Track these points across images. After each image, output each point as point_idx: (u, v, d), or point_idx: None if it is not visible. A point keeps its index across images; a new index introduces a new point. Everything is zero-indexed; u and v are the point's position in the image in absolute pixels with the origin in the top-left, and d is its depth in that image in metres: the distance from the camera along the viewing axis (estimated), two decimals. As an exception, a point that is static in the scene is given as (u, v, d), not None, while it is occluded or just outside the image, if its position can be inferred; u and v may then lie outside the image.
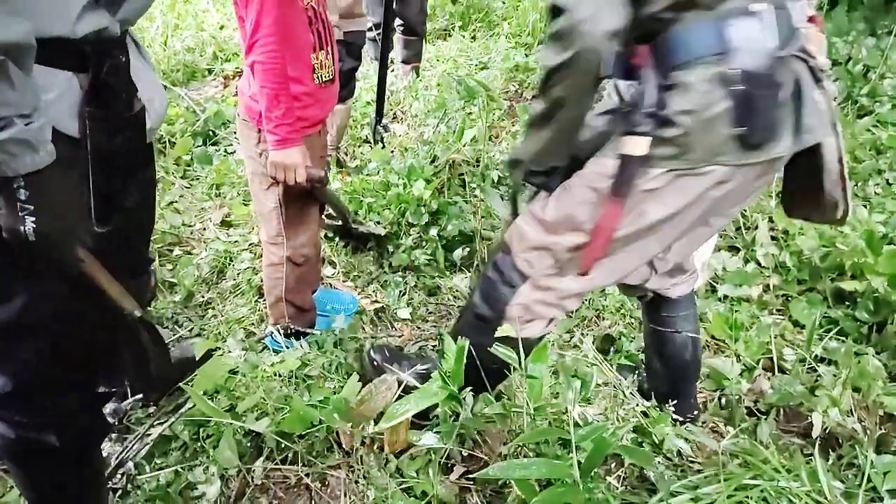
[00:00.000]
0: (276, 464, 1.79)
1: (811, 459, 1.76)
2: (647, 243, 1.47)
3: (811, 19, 1.37)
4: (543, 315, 1.60)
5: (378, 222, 2.95)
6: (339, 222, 2.70)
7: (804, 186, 1.48)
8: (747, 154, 1.30)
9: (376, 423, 1.71)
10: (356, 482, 1.74)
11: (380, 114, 3.65)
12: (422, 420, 1.77)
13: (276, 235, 2.12)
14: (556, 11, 1.25)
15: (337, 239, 2.85)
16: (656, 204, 1.38)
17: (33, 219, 0.96)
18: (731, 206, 1.49)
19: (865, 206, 2.96)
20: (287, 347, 2.14)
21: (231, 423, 1.77)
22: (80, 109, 1.02)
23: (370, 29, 3.65)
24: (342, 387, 1.92)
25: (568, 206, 1.46)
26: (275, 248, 2.14)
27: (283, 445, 1.78)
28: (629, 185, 1.34)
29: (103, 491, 1.60)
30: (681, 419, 1.93)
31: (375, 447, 1.78)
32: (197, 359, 2.00)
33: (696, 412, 1.99)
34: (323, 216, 2.39)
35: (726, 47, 1.24)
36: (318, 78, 1.93)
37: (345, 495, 1.73)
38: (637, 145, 1.31)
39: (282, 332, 2.21)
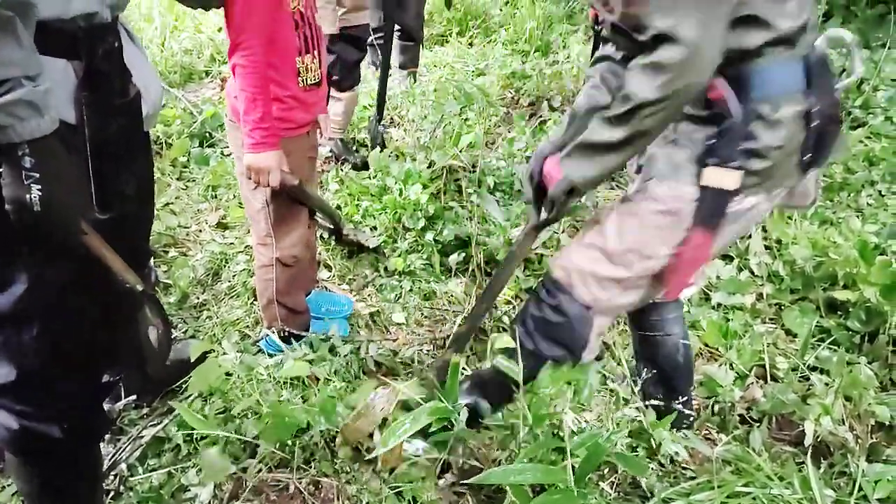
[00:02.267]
0: (270, 468, 1.78)
1: (803, 467, 1.77)
2: None
3: None
4: (604, 332, 1.64)
5: (374, 227, 2.96)
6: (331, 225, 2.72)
7: None
8: (803, 175, 1.42)
9: (371, 436, 1.71)
10: (348, 484, 1.74)
11: (380, 114, 3.68)
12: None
13: (265, 236, 2.12)
14: (659, 40, 1.23)
15: (333, 242, 2.86)
16: (732, 226, 1.44)
17: (39, 187, 0.95)
18: None
19: (858, 217, 2.99)
20: (281, 351, 2.14)
21: (220, 434, 1.77)
22: (76, 96, 1.02)
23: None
24: (345, 389, 1.93)
25: (637, 233, 1.46)
26: (264, 250, 2.15)
27: (277, 448, 1.78)
28: (721, 217, 1.37)
29: (99, 488, 1.60)
30: (676, 426, 1.94)
31: (368, 457, 1.79)
32: (192, 360, 2.00)
33: (692, 418, 2.00)
34: (315, 218, 2.40)
35: (809, 85, 1.32)
36: (302, 81, 1.94)
37: (337, 499, 1.73)
38: (729, 178, 1.33)
39: (276, 334, 2.21)
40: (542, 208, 1.62)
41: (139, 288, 1.21)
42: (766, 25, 1.29)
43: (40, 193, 0.95)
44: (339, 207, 3.08)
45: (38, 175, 0.95)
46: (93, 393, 1.30)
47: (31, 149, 0.93)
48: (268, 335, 2.23)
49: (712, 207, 1.36)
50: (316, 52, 1.96)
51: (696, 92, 1.28)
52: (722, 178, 1.33)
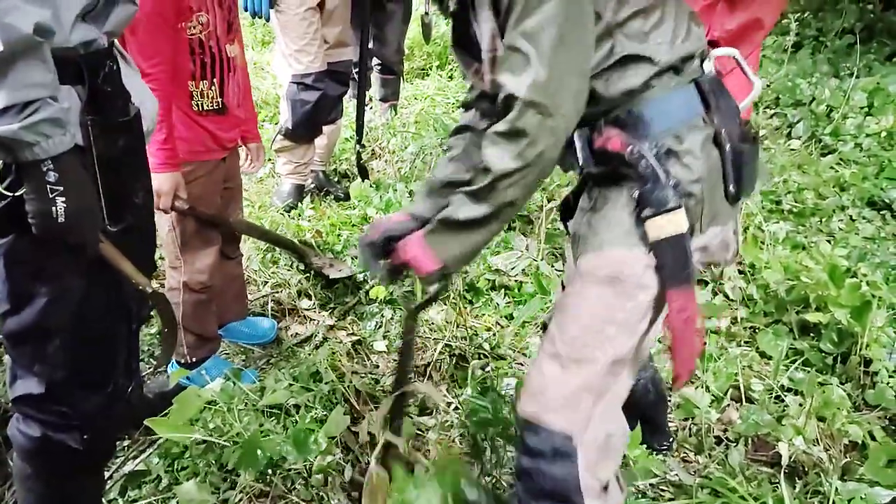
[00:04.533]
0: (250, 497, 1.79)
1: (777, 487, 1.81)
2: None
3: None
4: (611, 468, 1.30)
5: (355, 257, 2.99)
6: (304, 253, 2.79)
7: None
8: (734, 208, 1.31)
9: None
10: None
11: (360, 135, 3.77)
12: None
13: (174, 259, 2.16)
14: (510, 102, 1.16)
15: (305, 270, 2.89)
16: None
17: (63, 199, 1.02)
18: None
19: (829, 242, 3.06)
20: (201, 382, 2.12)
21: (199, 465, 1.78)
22: (82, 119, 1.09)
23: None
24: (326, 417, 1.94)
25: (591, 317, 1.24)
26: (174, 273, 2.18)
27: (257, 478, 1.79)
28: (689, 264, 1.19)
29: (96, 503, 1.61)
30: (655, 448, 1.96)
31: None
32: (170, 387, 2.01)
33: (670, 440, 2.03)
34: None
35: (708, 108, 1.24)
36: (197, 106, 2.00)
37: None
38: (676, 222, 1.18)
39: (178, 361, 2.23)
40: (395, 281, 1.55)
41: (149, 290, 1.25)
42: (647, 60, 1.21)
43: (65, 205, 1.02)
44: (319, 236, 3.12)
45: (62, 188, 1.01)
46: (110, 403, 1.33)
47: (54, 164, 1.00)
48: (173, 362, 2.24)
49: (675, 258, 1.19)
50: (215, 80, 2.01)
51: (557, 154, 1.19)
52: (667, 224, 1.18)
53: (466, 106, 1.59)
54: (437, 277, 1.32)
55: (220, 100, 2.04)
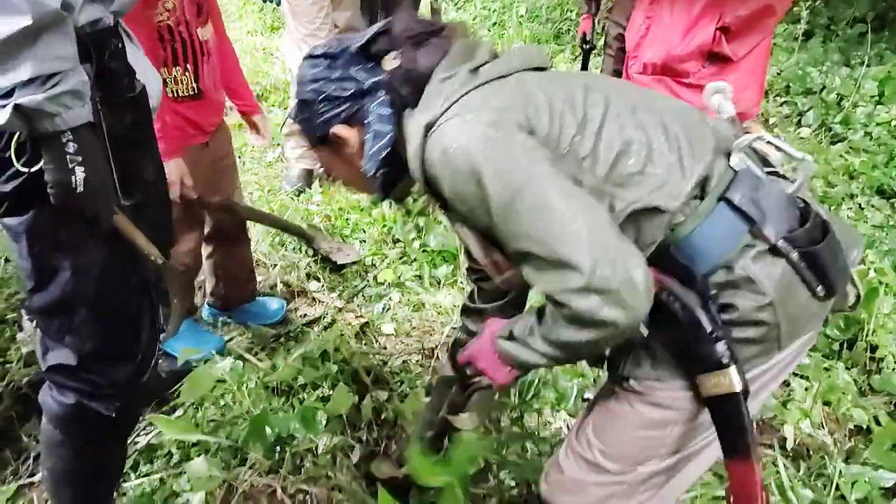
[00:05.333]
0: (260, 473, 1.82)
1: (782, 469, 1.82)
2: None
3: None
4: None
5: (363, 241, 3.01)
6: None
7: None
8: (828, 302, 1.10)
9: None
10: (333, 490, 1.78)
11: None
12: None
13: None
14: (561, 300, 0.96)
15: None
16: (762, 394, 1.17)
17: (82, 169, 1.04)
18: None
19: (837, 229, 3.06)
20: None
21: (210, 441, 1.81)
22: (91, 95, 1.10)
23: None
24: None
25: (631, 440, 1.16)
26: None
27: (266, 455, 1.81)
28: (748, 430, 1.03)
29: (118, 476, 1.64)
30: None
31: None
32: (179, 365, 2.04)
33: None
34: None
35: (749, 217, 1.03)
36: (171, 93, 1.98)
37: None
38: (724, 384, 1.02)
39: None
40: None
41: (160, 261, 1.28)
42: (656, 210, 1.03)
43: (84, 175, 1.05)
44: (328, 220, 3.14)
45: (80, 158, 1.04)
46: (140, 373, 1.36)
47: (73, 135, 1.03)
48: None
49: (729, 422, 1.04)
50: (189, 66, 1.99)
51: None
52: (716, 384, 1.03)
53: (467, 311, 1.60)
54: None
55: (195, 85, 2.02)
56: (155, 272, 1.32)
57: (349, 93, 1.17)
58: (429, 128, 1.06)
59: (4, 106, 0.96)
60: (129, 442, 1.92)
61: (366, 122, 1.17)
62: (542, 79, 1.13)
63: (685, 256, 1.04)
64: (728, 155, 1.09)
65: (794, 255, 1.02)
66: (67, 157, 1.03)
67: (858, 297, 1.18)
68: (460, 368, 1.35)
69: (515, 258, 1.04)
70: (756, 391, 1.10)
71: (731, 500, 1.07)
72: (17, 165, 1.06)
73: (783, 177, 1.12)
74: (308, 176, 3.60)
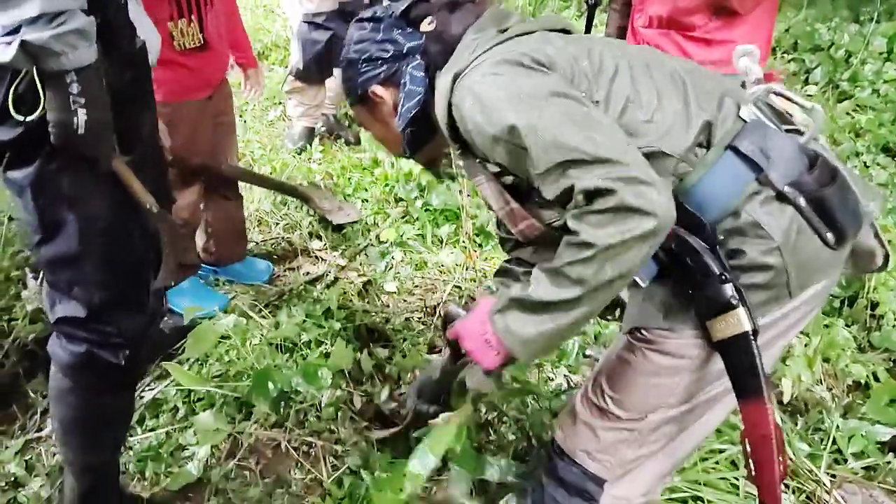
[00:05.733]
0: (265, 427, 1.84)
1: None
2: None
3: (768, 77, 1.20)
4: None
5: (365, 200, 3.01)
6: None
7: None
8: (840, 251, 1.11)
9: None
10: (336, 444, 1.81)
11: None
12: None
13: None
14: (594, 194, 0.97)
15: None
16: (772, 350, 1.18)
17: (84, 111, 1.05)
18: None
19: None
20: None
21: (216, 394, 1.83)
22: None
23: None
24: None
25: (644, 389, 1.19)
26: None
27: (271, 409, 1.84)
28: (759, 373, 1.05)
29: (127, 428, 1.66)
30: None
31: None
32: (185, 323, 2.06)
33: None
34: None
35: (755, 164, 1.06)
36: (179, 45, 1.97)
37: (326, 458, 1.79)
38: (734, 324, 1.05)
39: None
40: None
41: (154, 209, 1.28)
42: (663, 155, 1.07)
43: (86, 116, 1.05)
44: (329, 178, 3.13)
45: (84, 100, 1.04)
46: (150, 323, 1.38)
47: (77, 75, 1.03)
48: None
49: (741, 363, 1.06)
50: (194, 17, 1.99)
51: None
52: (725, 326, 1.05)
53: (501, 273, 1.57)
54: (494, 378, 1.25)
55: (200, 36, 2.02)
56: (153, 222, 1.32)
57: (388, 54, 1.24)
58: (457, 76, 1.13)
59: (11, 43, 0.96)
60: (135, 396, 1.95)
61: (402, 82, 1.23)
62: (564, 38, 1.20)
63: (693, 205, 1.07)
64: (739, 107, 1.11)
65: (802, 201, 1.05)
66: (71, 98, 1.03)
67: (887, 257, 1.19)
68: (451, 343, 1.39)
69: (553, 175, 1.02)
70: (767, 342, 1.12)
71: (746, 444, 1.09)
72: (15, 115, 1.05)
73: (801, 133, 1.12)
74: (310, 134, 3.58)
